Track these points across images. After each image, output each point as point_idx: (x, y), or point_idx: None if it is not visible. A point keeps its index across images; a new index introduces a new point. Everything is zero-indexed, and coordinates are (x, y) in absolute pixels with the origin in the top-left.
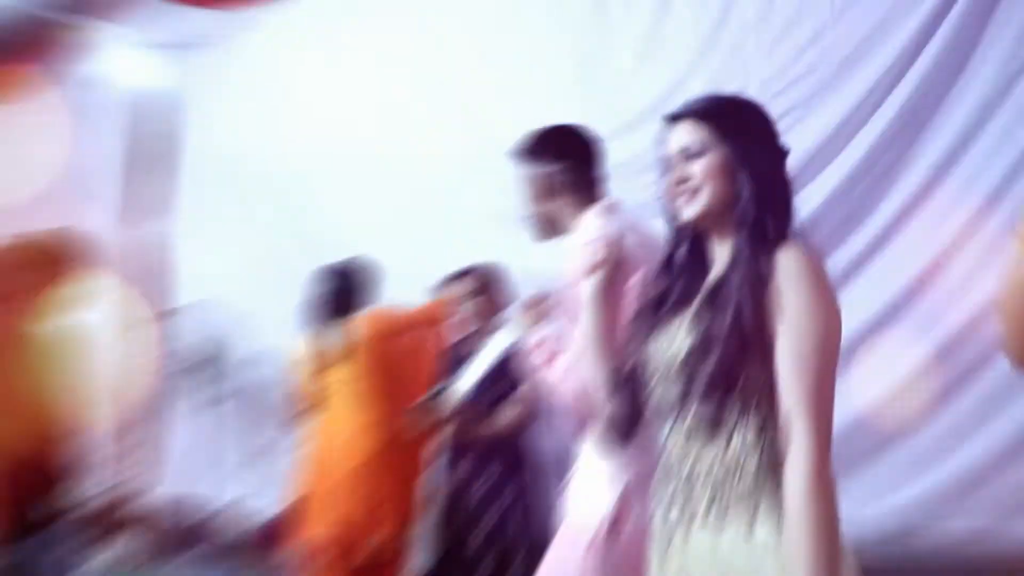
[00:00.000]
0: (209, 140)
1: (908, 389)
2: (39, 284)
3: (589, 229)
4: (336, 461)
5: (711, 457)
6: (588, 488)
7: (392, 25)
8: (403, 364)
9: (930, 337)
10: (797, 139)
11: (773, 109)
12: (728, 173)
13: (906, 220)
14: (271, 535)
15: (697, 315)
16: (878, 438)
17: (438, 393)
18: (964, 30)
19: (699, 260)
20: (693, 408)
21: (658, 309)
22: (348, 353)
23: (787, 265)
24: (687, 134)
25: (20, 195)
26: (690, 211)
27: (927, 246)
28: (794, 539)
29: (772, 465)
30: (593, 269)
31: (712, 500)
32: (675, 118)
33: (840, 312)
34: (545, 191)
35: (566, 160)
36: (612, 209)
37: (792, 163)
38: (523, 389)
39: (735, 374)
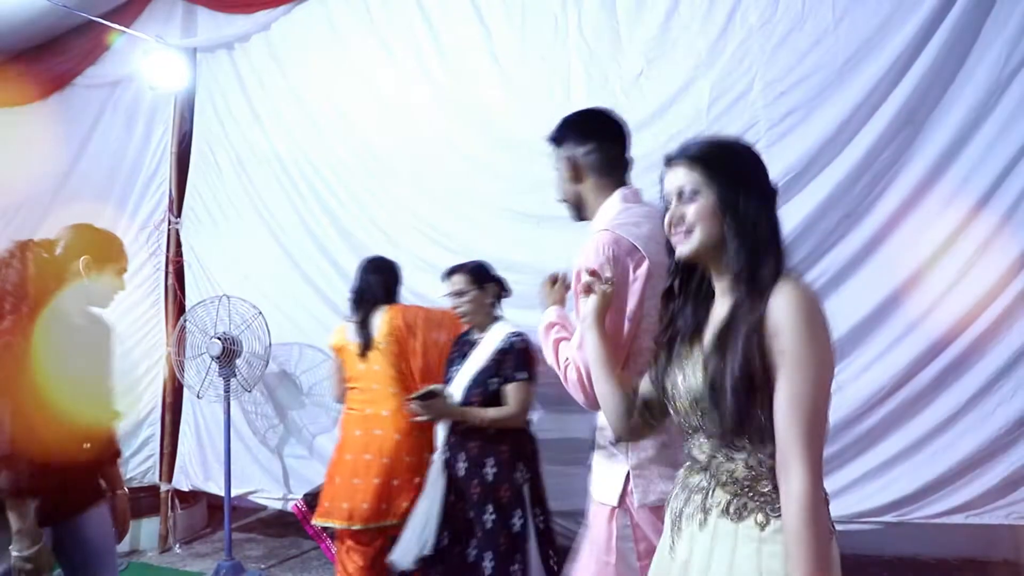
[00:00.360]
0: (223, 139)
1: (901, 383)
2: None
3: (607, 215)
4: (368, 442)
5: (732, 468)
6: (602, 468)
7: (402, 27)
8: (427, 356)
9: (926, 332)
10: (800, 139)
11: (776, 110)
12: (718, 216)
13: (904, 217)
14: (301, 515)
15: (707, 359)
16: (869, 432)
17: (427, 394)
18: (961, 32)
19: (700, 287)
20: (713, 433)
21: (667, 332)
22: (384, 341)
23: (781, 307)
24: (682, 177)
25: (41, 193)
26: (684, 249)
27: (924, 243)
28: (792, 558)
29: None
30: (587, 291)
31: (734, 497)
32: (672, 160)
33: (833, 344)
34: (572, 173)
35: (590, 141)
36: (631, 197)
37: (795, 162)
38: (512, 385)
39: (746, 413)
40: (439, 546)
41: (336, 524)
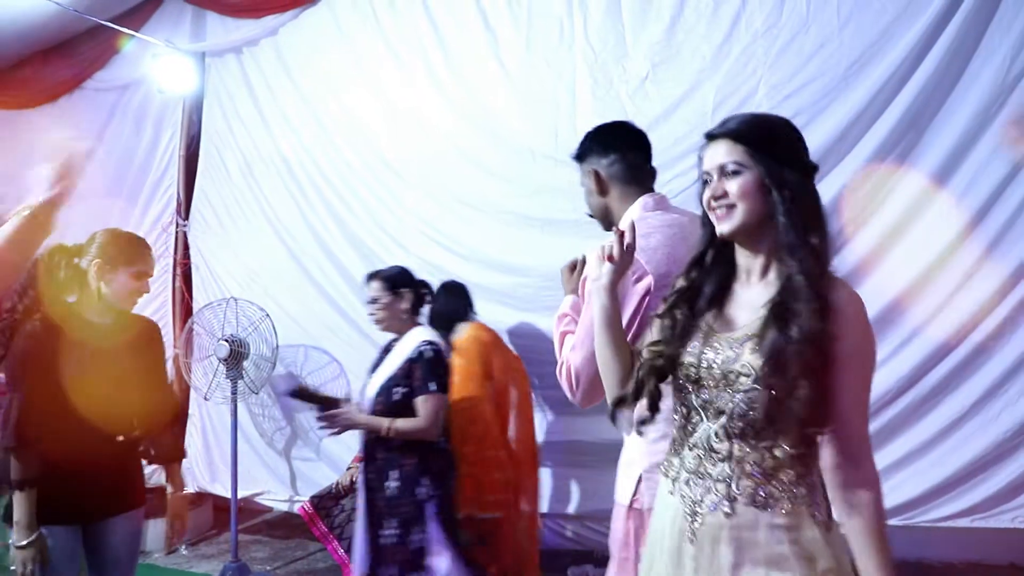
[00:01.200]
0: (231, 142)
1: (906, 387)
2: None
3: (630, 218)
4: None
5: (758, 458)
6: (621, 468)
7: (409, 32)
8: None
9: (930, 337)
10: None
11: (781, 113)
12: (762, 192)
13: (908, 222)
14: (308, 517)
15: (761, 336)
16: (874, 435)
17: (326, 401)
18: (965, 36)
19: (725, 263)
20: (739, 415)
21: (688, 303)
22: (466, 343)
23: (850, 311)
24: (724, 153)
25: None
26: (726, 226)
27: (928, 248)
28: (876, 553)
29: (811, 466)
30: (609, 259)
31: (759, 486)
32: (713, 136)
33: None
34: (597, 186)
35: (612, 153)
36: (652, 205)
37: None
38: (421, 398)
39: (809, 394)
40: (367, 569)
41: None
